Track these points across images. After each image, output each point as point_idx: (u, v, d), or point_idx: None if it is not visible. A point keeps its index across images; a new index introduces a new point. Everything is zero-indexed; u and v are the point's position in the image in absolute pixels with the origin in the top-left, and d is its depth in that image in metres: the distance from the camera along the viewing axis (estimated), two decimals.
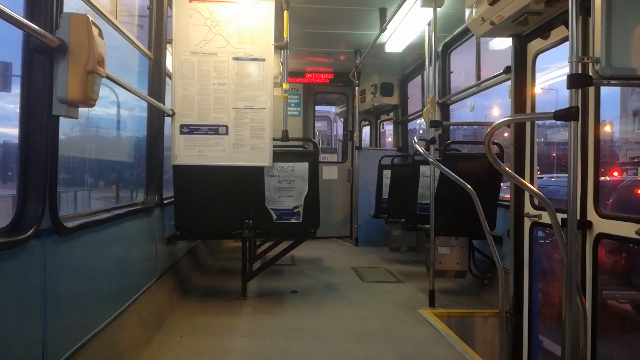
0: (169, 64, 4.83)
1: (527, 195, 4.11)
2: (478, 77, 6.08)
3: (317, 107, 10.62)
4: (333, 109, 14.83)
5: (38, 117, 2.25)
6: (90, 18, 2.31)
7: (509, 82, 4.44)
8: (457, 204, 4.97)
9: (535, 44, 3.96)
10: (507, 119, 3.40)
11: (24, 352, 2.15)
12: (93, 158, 4.33)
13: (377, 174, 8.17)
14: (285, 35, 5.08)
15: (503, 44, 5.28)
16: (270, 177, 4.92)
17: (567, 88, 2.60)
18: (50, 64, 2.24)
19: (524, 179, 3.68)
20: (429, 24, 5.08)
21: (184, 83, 4.73)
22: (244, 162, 4.80)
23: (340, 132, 12.89)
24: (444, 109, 6.89)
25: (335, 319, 4.43)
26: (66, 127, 2.98)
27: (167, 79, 4.85)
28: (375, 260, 7.40)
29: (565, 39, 3.50)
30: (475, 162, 5.40)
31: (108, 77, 2.78)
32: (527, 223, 4.08)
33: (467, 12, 3.98)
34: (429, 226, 5.01)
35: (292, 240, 5.24)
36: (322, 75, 9.54)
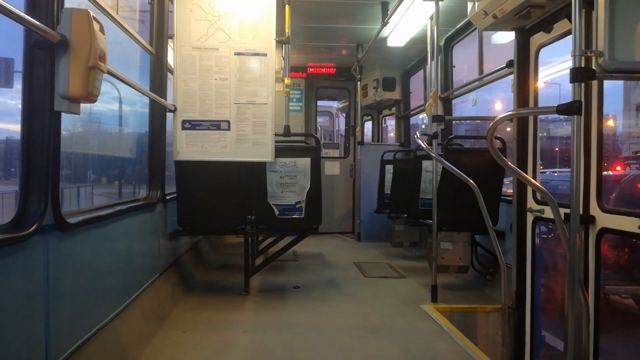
0: (170, 59, 4.82)
1: (529, 190, 4.10)
2: (480, 71, 6.05)
3: (319, 102, 10.60)
4: (335, 104, 14.82)
5: (40, 113, 2.25)
6: (92, 13, 2.30)
7: (511, 77, 4.43)
8: (460, 199, 4.95)
9: (537, 38, 3.94)
10: (509, 113, 3.39)
11: (27, 348, 2.15)
12: (95, 154, 4.33)
13: (379, 169, 8.16)
14: (286, 30, 5.07)
15: (505, 37, 5.27)
16: (272, 173, 4.91)
17: (570, 82, 2.59)
18: (51, 60, 2.24)
19: (526, 174, 3.67)
20: (431, 18, 5.07)
21: (185, 78, 4.72)
22: (246, 157, 4.79)
23: (342, 127, 12.90)
24: (446, 103, 6.87)
25: (338, 314, 4.44)
26: (68, 123, 2.98)
27: (169, 74, 4.85)
28: (377, 255, 7.40)
29: (568, 33, 3.48)
30: (477, 157, 5.39)
31: (109, 73, 2.78)
32: (529, 218, 4.08)
33: (470, 5, 3.97)
34: (431, 221, 5.00)
35: (294, 236, 5.24)
36: (324, 70, 9.51)
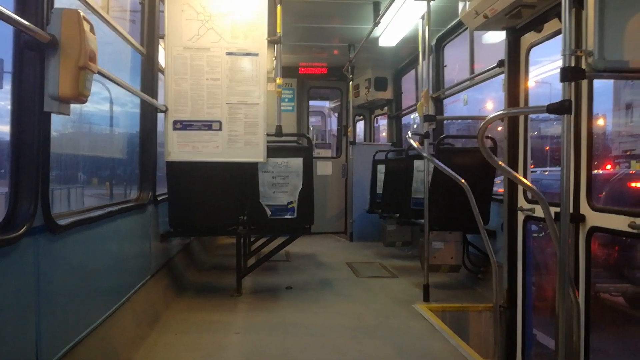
0: (161, 59, 4.80)
1: (520, 189, 4.12)
2: (472, 70, 6.08)
3: (311, 102, 10.59)
4: (327, 104, 14.81)
5: (29, 113, 2.24)
6: (82, 13, 2.29)
7: (502, 76, 4.45)
8: (451, 199, 4.97)
9: (528, 37, 3.96)
10: (500, 112, 3.41)
11: (17, 351, 2.14)
12: (86, 155, 4.31)
13: (371, 169, 8.17)
14: (278, 30, 5.06)
15: (496, 37, 5.29)
16: (264, 173, 4.90)
17: (560, 81, 2.61)
18: (41, 60, 2.22)
19: (517, 173, 3.69)
20: (423, 18, 5.08)
21: (176, 78, 4.70)
22: (237, 157, 4.78)
23: (334, 127, 12.89)
24: (438, 103, 6.89)
25: (331, 314, 4.44)
26: (58, 123, 2.95)
27: (160, 75, 4.82)
28: (370, 255, 7.41)
29: (558, 32, 3.50)
30: (469, 157, 5.41)
31: (100, 73, 2.76)
32: (520, 217, 4.10)
33: (461, 5, 3.98)
34: (423, 221, 5.02)
35: (286, 236, 5.23)
36: (315, 70, 9.50)
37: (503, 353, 4.27)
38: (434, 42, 6.91)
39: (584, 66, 2.72)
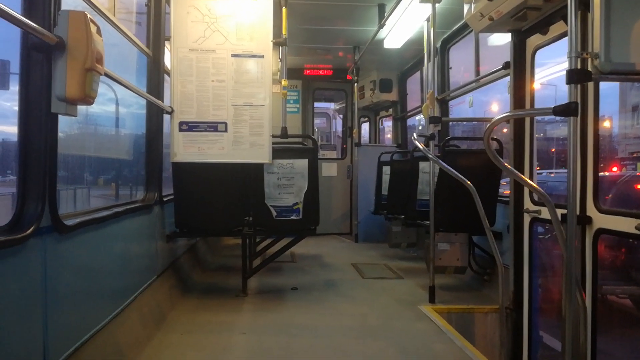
0: (167, 61, 4.82)
1: (526, 190, 4.10)
2: (477, 72, 6.07)
3: (316, 104, 10.60)
4: (332, 106, 14.81)
5: (37, 115, 2.25)
6: (89, 15, 2.30)
7: (508, 78, 4.44)
8: (457, 200, 4.96)
9: (534, 40, 3.95)
10: (506, 114, 3.39)
11: (25, 350, 2.15)
12: (92, 156, 4.33)
13: (376, 170, 8.16)
14: (283, 32, 5.07)
15: (502, 39, 5.27)
16: (269, 174, 4.91)
17: (567, 83, 2.60)
18: (48, 62, 2.24)
19: (523, 175, 3.68)
20: (428, 20, 5.07)
21: (182, 80, 4.71)
22: (243, 159, 4.79)
23: (340, 128, 12.88)
24: (443, 104, 6.88)
25: (336, 315, 4.44)
26: (65, 125, 2.97)
27: (166, 76, 4.84)
28: (375, 256, 7.41)
29: (564, 35, 3.49)
30: (474, 158, 5.40)
31: (107, 75, 2.78)
32: (526, 219, 4.08)
33: (466, 7, 3.97)
34: (428, 222, 5.01)
35: (292, 237, 5.24)
36: (320, 72, 9.51)
37: (509, 355, 4.25)
38: (439, 44, 6.91)
39: (590, 68, 2.71)
